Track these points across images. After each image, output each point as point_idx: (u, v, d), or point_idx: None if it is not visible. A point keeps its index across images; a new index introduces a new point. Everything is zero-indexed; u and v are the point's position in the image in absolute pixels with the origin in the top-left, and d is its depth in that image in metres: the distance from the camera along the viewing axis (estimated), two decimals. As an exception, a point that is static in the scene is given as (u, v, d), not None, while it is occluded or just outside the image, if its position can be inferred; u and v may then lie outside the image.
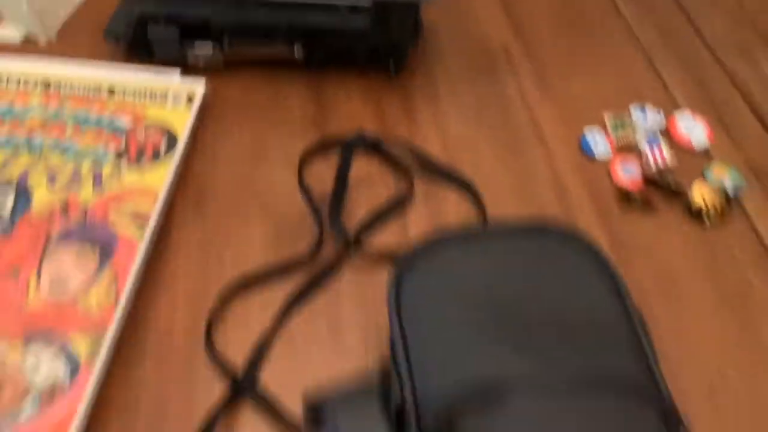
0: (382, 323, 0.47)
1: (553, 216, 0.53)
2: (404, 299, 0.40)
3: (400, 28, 0.59)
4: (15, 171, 0.51)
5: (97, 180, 0.51)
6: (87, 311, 0.44)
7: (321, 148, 0.57)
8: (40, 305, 0.44)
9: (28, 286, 0.45)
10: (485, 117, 0.61)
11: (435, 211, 0.54)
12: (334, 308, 0.48)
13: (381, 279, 0.49)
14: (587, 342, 0.37)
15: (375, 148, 0.57)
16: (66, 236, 0.47)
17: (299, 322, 0.47)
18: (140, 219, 0.48)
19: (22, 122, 0.54)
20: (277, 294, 0.48)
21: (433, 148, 0.58)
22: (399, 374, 0.37)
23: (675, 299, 0.50)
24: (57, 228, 0.48)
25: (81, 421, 0.40)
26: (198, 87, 0.58)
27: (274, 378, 0.45)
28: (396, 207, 0.53)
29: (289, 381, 0.44)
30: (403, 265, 0.40)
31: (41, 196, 0.49)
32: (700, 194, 0.53)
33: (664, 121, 0.59)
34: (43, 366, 0.41)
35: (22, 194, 0.49)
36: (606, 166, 0.57)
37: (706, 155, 0.58)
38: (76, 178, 0.51)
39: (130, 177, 0.51)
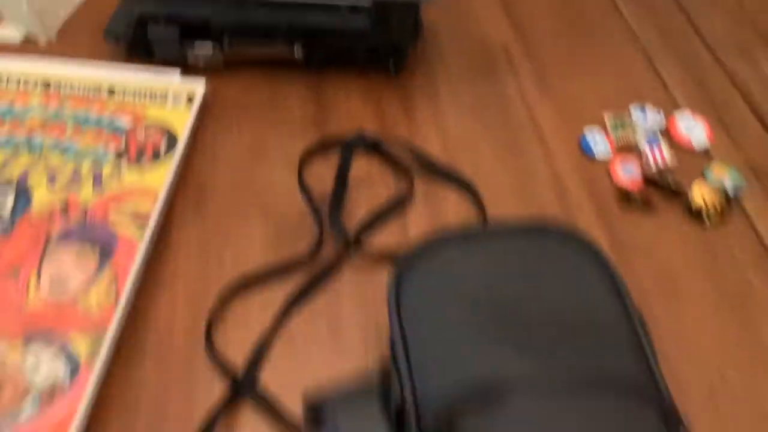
0: (382, 323, 0.47)
1: (553, 216, 0.53)
2: (404, 299, 0.40)
3: (400, 28, 0.59)
4: (15, 171, 0.51)
5: (97, 180, 0.51)
6: (87, 311, 0.44)
7: (321, 148, 0.57)
8: (40, 305, 0.44)
9: (28, 286, 0.45)
10: (485, 117, 0.61)
11: (435, 211, 0.54)
12: (334, 308, 0.48)
13: (381, 279, 0.49)
14: (587, 342, 0.37)
15: (375, 148, 0.57)
16: (66, 236, 0.47)
17: (299, 322, 0.47)
18: (140, 219, 0.48)
19: (22, 122, 0.54)
20: (277, 294, 0.48)
21: (433, 147, 0.58)
22: (399, 374, 0.37)
23: (675, 299, 0.50)
24: (57, 228, 0.48)
25: (81, 421, 0.40)
26: (198, 87, 0.58)
27: (274, 378, 0.45)
28: (396, 207, 0.53)
29: (289, 381, 0.44)
30: (403, 265, 0.40)
31: (41, 196, 0.49)
32: (700, 194, 0.53)
33: (664, 121, 0.59)
34: (43, 366, 0.41)
35: (22, 194, 0.49)
36: (606, 166, 0.57)
37: (706, 155, 0.58)
38: (76, 178, 0.51)
39: (130, 177, 0.51)
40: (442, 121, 0.60)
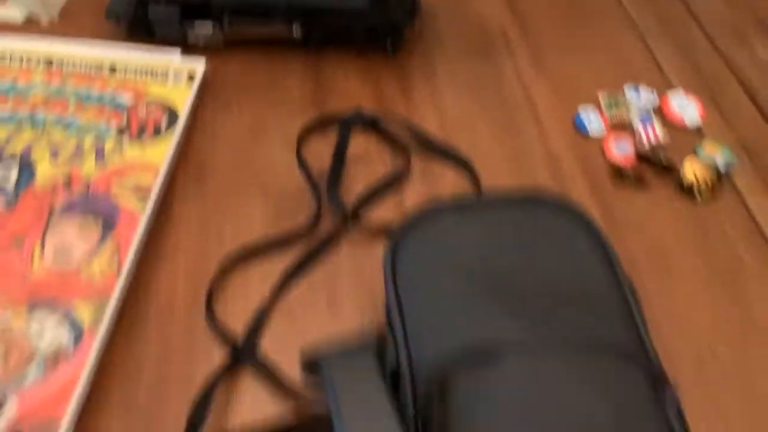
0: (379, 294, 0.48)
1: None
2: (400, 267, 0.40)
3: (398, 8, 0.60)
4: (19, 146, 0.52)
5: (100, 155, 0.52)
6: (90, 279, 0.45)
7: (319, 125, 0.57)
8: (44, 274, 0.45)
9: (32, 256, 0.46)
10: (482, 96, 0.61)
11: (432, 187, 0.55)
12: (331, 280, 0.49)
13: (378, 252, 0.50)
14: (579, 310, 0.38)
15: (373, 125, 0.57)
16: (69, 208, 0.48)
17: (298, 294, 0.48)
18: (142, 192, 0.49)
19: (25, 99, 0.55)
20: (277, 266, 0.49)
21: (430, 126, 0.59)
22: (395, 340, 0.38)
23: (666, 274, 0.51)
24: (60, 200, 0.48)
25: (84, 386, 0.41)
26: (198, 66, 0.59)
27: (273, 346, 0.45)
28: (393, 183, 0.54)
29: (287, 349, 0.45)
30: (399, 234, 0.41)
31: (44, 170, 0.50)
32: (692, 170, 0.54)
33: (657, 100, 0.60)
34: (48, 332, 0.42)
35: (26, 168, 0.50)
36: (600, 144, 0.58)
37: (699, 133, 0.59)
38: (78, 152, 0.52)
39: (132, 152, 0.52)
40: (440, 100, 0.61)
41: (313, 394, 0.41)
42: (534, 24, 0.69)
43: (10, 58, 0.58)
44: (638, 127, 0.58)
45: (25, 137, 0.52)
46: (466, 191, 0.54)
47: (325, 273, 0.49)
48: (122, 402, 0.42)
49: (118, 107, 0.55)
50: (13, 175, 0.50)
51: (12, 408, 0.39)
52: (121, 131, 0.53)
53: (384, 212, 0.53)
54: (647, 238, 0.52)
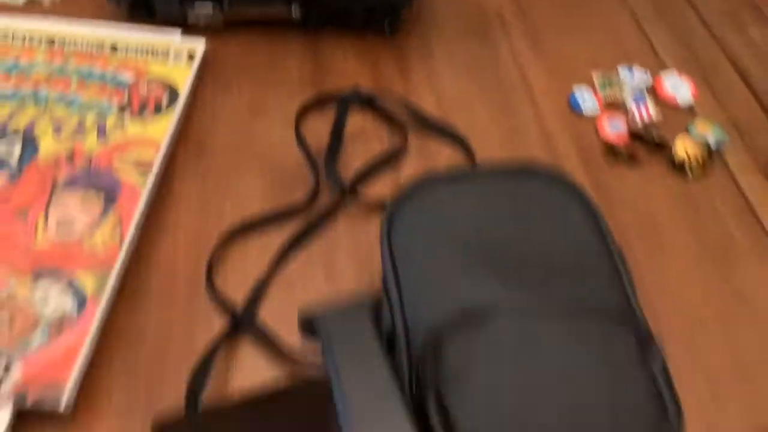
0: (376, 267, 0.49)
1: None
2: (395, 236, 0.41)
3: (396, -11, 0.60)
4: (22, 121, 0.52)
5: (101, 131, 0.52)
6: (93, 250, 0.45)
7: (317, 103, 0.58)
8: (47, 245, 0.46)
9: (36, 228, 0.46)
10: (478, 77, 0.62)
11: (428, 164, 0.56)
12: (329, 253, 0.50)
13: (375, 227, 0.51)
14: (571, 277, 0.39)
15: (370, 103, 0.58)
16: (72, 182, 0.49)
17: (296, 266, 0.49)
18: (143, 167, 0.50)
19: (28, 76, 0.56)
20: (275, 240, 0.50)
21: (428, 106, 0.60)
22: (391, 306, 0.39)
23: (658, 249, 0.52)
24: (63, 174, 0.49)
25: (88, 351, 0.42)
26: (198, 45, 0.60)
27: (271, 317, 0.46)
28: (390, 159, 0.55)
29: (286, 319, 0.46)
30: (395, 203, 0.42)
31: (47, 145, 0.51)
32: (683, 147, 0.55)
33: (650, 80, 0.61)
34: (52, 300, 0.43)
35: (29, 143, 0.51)
36: (593, 122, 0.59)
37: (691, 112, 0.60)
38: (80, 129, 0.52)
39: (133, 128, 0.53)
40: (437, 81, 0.62)
41: (311, 359, 0.42)
42: (530, 5, 0.69)
43: (13, 37, 0.58)
44: (631, 106, 0.59)
45: (29, 113, 0.53)
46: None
47: (322, 246, 0.50)
48: (124, 367, 0.43)
49: (119, 85, 0.56)
50: (17, 149, 0.50)
51: (17, 371, 0.40)
52: (122, 108, 0.54)
53: (381, 188, 0.54)
54: (640, 214, 0.53)
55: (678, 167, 0.55)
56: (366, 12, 0.62)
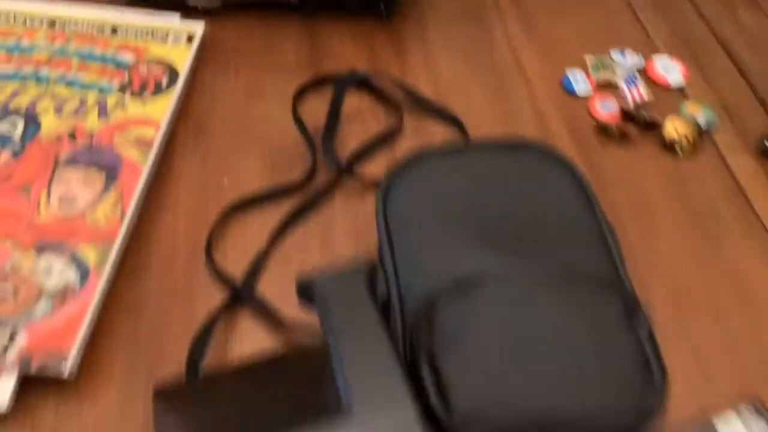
0: (371, 242, 0.50)
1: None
2: (391, 208, 0.43)
3: (392, -28, 0.61)
4: (24, 100, 0.53)
5: (102, 110, 0.53)
6: (95, 224, 0.46)
7: (315, 84, 0.59)
8: (50, 219, 0.47)
9: (39, 203, 0.47)
10: (473, 59, 0.63)
11: (423, 144, 0.57)
12: (326, 229, 0.51)
13: (371, 204, 0.52)
14: (561, 247, 0.40)
15: (366, 84, 0.59)
16: (73, 159, 0.50)
17: (293, 241, 0.50)
18: (143, 145, 0.51)
19: (30, 57, 0.57)
20: (273, 217, 0.51)
21: (423, 88, 0.60)
22: (386, 276, 0.41)
23: (648, 224, 0.53)
24: (65, 151, 0.50)
25: (91, 320, 0.43)
26: (197, 28, 0.60)
27: (270, 289, 0.47)
28: (386, 139, 0.56)
29: (284, 292, 0.47)
30: (391, 176, 0.43)
31: (49, 123, 0.52)
32: (674, 127, 0.56)
33: (642, 63, 0.62)
34: (55, 272, 0.44)
35: (31, 121, 0.52)
36: (586, 103, 0.60)
37: (682, 94, 0.61)
38: (81, 108, 0.53)
39: (134, 108, 0.54)
40: (433, 64, 0.63)
41: (309, 329, 0.43)
42: (524, -11, 0.70)
43: (14, 19, 0.59)
44: (623, 87, 0.60)
45: (30, 93, 0.54)
46: (456, 148, 0.56)
47: (319, 223, 0.51)
48: (126, 337, 0.44)
49: (119, 66, 0.57)
50: (19, 127, 0.51)
51: (22, 340, 0.41)
52: (122, 88, 0.55)
53: (377, 167, 0.55)
54: (631, 192, 0.54)
55: (669, 146, 0.56)
56: (362, -5, 0.63)
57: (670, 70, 0.62)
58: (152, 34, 0.59)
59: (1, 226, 0.46)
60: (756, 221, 0.53)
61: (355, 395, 0.30)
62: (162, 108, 0.54)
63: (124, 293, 0.46)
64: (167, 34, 0.60)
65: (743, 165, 0.56)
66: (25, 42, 0.58)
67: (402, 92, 0.59)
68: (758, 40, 0.67)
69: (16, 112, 0.53)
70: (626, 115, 0.57)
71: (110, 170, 0.50)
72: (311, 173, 0.53)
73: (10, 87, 0.54)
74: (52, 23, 0.59)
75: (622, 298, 0.38)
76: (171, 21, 0.61)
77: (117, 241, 0.46)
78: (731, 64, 0.65)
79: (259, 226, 0.51)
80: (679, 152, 0.56)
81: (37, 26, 0.59)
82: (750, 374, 0.44)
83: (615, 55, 0.63)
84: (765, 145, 0.57)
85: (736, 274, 0.50)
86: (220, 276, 0.47)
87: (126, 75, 0.56)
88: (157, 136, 0.52)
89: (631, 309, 0.37)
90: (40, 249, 0.45)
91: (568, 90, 0.60)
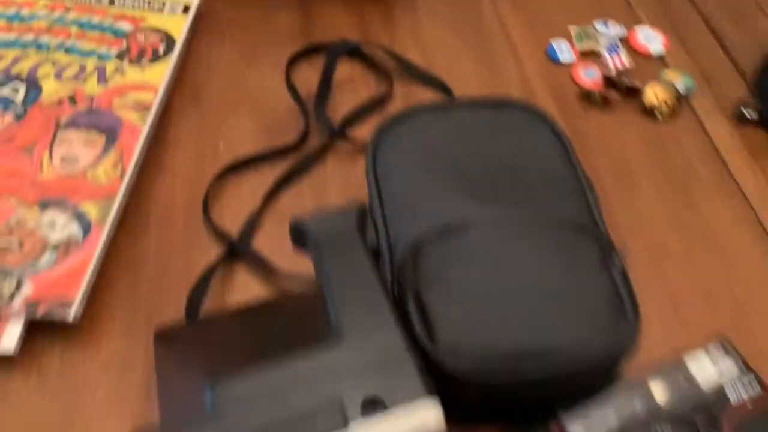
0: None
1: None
2: (379, 160, 0.45)
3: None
4: (25, 66, 0.55)
5: (101, 76, 0.55)
6: (96, 181, 0.48)
7: (307, 52, 0.61)
8: (53, 177, 0.48)
9: (41, 163, 0.49)
10: (461, 30, 0.65)
11: (412, 109, 0.59)
12: (319, 190, 0.53)
13: (362, 166, 0.54)
14: (540, 196, 0.42)
15: (358, 52, 0.61)
16: (74, 122, 0.52)
17: (287, 202, 0.52)
18: (142, 108, 0.53)
19: (30, 25, 0.58)
20: (268, 178, 0.53)
21: (412, 57, 0.62)
22: (375, 224, 0.43)
23: (628, 185, 0.55)
24: (66, 114, 0.52)
25: (94, 270, 0.45)
26: (193, -2, 0.62)
27: (265, 248, 0.49)
28: (377, 104, 0.58)
29: (278, 249, 0.49)
30: (380, 131, 0.45)
31: (50, 87, 0.54)
32: (654, 92, 0.58)
33: (625, 33, 0.64)
34: (59, 226, 0.46)
35: (33, 85, 0.54)
36: (570, 70, 0.62)
37: (662, 62, 0.63)
38: (81, 73, 0.55)
39: (132, 74, 0.56)
40: (421, 33, 0.65)
41: (302, 279, 0.46)
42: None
43: (14, -11, 0.61)
44: (606, 54, 0.62)
45: (31, 59, 0.56)
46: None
47: (312, 184, 0.53)
48: (126, 291, 0.46)
49: (117, 34, 0.58)
50: (21, 91, 0.53)
51: (28, 288, 0.43)
52: (121, 55, 0.57)
53: (368, 131, 0.57)
54: (612, 154, 0.56)
55: (649, 111, 0.58)
56: (354, -33, 0.64)
57: (652, 40, 0.64)
58: (149, 4, 0.61)
59: (6, 184, 0.48)
60: (731, 181, 0.55)
61: (345, 325, 0.32)
62: (160, 74, 0.56)
63: (124, 250, 0.48)
64: (164, 4, 0.61)
65: (718, 128, 0.59)
66: (25, 11, 0.59)
67: (392, 60, 0.61)
68: (737, 12, 0.69)
69: (18, 77, 0.54)
70: (608, 81, 0.59)
71: (110, 132, 0.51)
72: (304, 137, 0.55)
73: (11, 54, 0.56)
74: (51, -6, 0.61)
75: (597, 242, 0.40)
76: (167, -8, 0.62)
77: (118, 198, 0.48)
78: (711, 36, 0.67)
79: (253, 186, 0.53)
80: (659, 117, 0.58)
81: (36, -4, 0.60)
82: (721, 319, 0.47)
83: (598, 25, 0.65)
84: (741, 111, 0.59)
85: (710, 230, 0.52)
86: (216, 232, 0.49)
87: (124, 43, 0.58)
88: (156, 100, 0.54)
89: (606, 252, 0.40)
90: (44, 205, 0.47)
91: (553, 59, 0.62)
